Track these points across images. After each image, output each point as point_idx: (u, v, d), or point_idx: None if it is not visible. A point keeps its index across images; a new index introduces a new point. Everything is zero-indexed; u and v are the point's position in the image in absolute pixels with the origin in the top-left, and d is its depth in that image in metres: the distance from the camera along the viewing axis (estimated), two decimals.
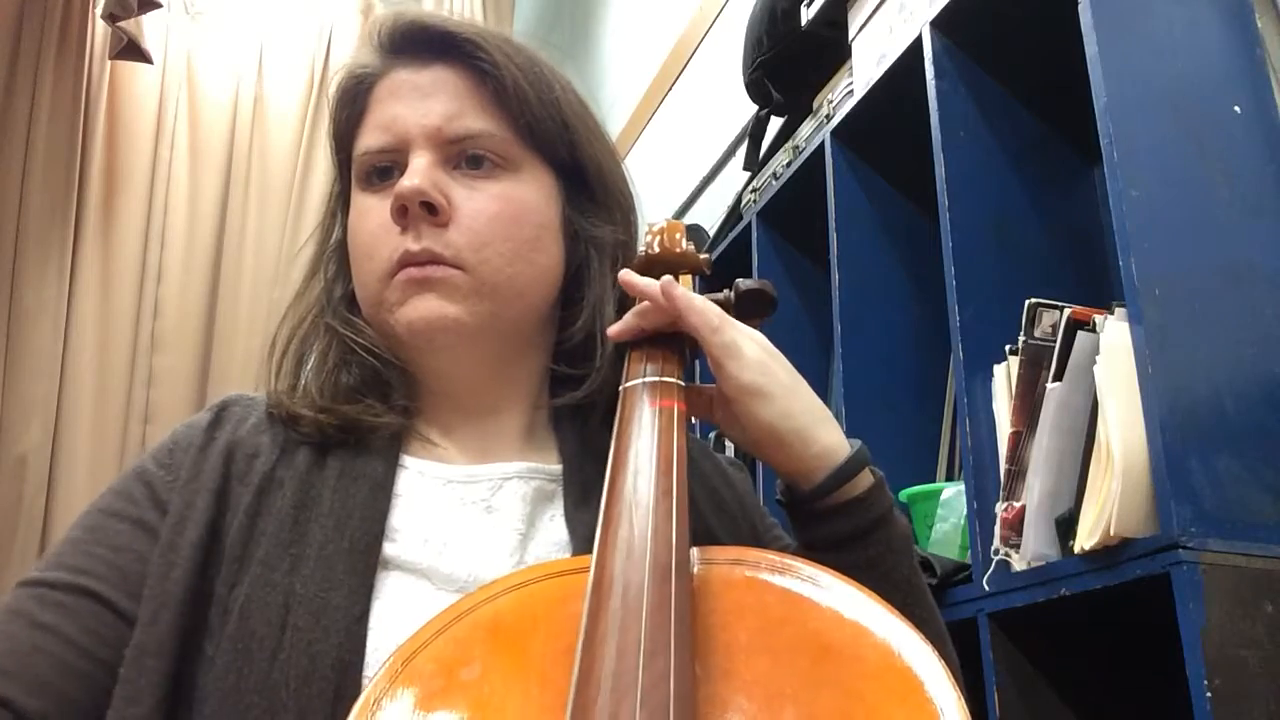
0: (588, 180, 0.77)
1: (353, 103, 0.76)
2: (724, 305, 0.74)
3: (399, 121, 0.72)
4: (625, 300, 0.79)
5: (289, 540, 0.64)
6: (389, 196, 0.70)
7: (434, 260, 0.69)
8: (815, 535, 0.68)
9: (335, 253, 0.79)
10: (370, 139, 0.73)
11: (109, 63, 3.23)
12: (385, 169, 0.73)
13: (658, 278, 0.81)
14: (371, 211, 0.72)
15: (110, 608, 0.63)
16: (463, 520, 0.69)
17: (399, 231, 0.70)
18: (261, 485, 0.67)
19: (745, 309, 0.76)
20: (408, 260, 0.69)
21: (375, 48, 0.76)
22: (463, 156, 0.72)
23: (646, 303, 0.71)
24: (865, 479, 0.69)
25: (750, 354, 0.67)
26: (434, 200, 0.69)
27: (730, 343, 0.67)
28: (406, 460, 0.72)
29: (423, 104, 0.72)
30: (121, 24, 2.90)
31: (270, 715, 0.57)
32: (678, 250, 0.82)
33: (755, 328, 0.73)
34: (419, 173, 0.69)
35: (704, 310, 0.68)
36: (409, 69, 0.74)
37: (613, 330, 0.72)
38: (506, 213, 0.71)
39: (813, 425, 0.68)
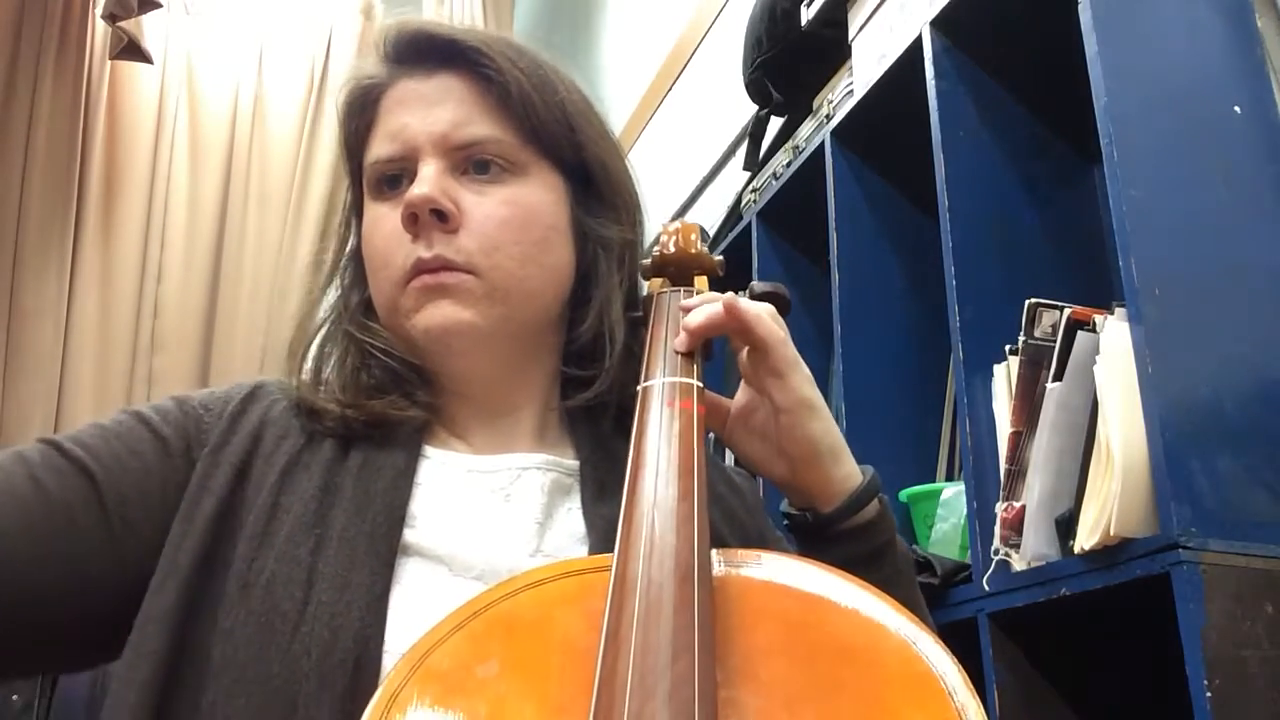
0: (594, 180, 0.77)
1: (361, 113, 0.77)
2: None
3: (407, 130, 0.73)
4: (632, 302, 0.79)
5: (312, 521, 0.65)
6: (399, 204, 0.71)
7: (446, 266, 0.70)
8: (827, 559, 0.68)
9: (351, 261, 0.80)
10: (379, 148, 0.74)
11: (109, 63, 3.23)
12: (395, 177, 0.74)
13: (671, 277, 0.82)
14: (383, 220, 0.73)
15: (98, 499, 0.65)
16: (482, 508, 0.70)
17: (410, 239, 0.71)
18: (287, 466, 0.68)
19: None
20: (421, 267, 0.70)
21: (381, 57, 0.76)
22: (470, 162, 0.73)
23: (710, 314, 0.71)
24: (874, 504, 0.72)
25: (806, 369, 0.70)
26: (443, 207, 0.70)
27: (794, 357, 0.69)
28: (428, 450, 0.72)
29: (430, 112, 0.73)
30: (121, 24, 2.90)
31: (291, 685, 0.57)
32: (692, 251, 0.82)
33: None
34: (428, 180, 0.70)
35: (769, 323, 0.69)
36: (415, 78, 0.75)
37: (678, 343, 0.71)
38: (516, 216, 0.72)
39: (841, 447, 0.71)
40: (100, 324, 3.11)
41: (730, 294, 0.71)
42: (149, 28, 3.16)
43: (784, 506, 0.74)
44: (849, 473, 0.71)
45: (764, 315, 0.69)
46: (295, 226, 3.32)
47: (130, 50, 2.98)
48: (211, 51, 3.45)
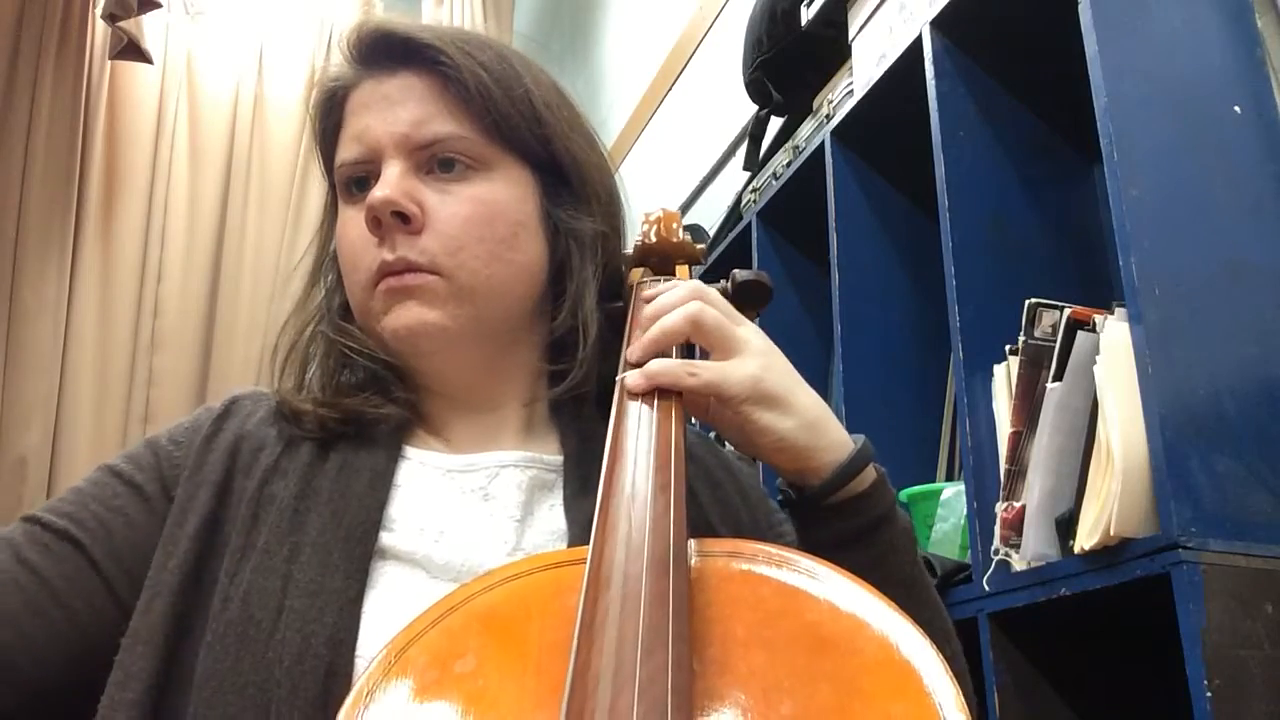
0: (564, 173, 0.76)
1: (328, 115, 0.77)
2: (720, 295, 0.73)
3: (369, 132, 0.72)
4: (607, 290, 0.78)
5: (289, 529, 0.65)
6: (365, 207, 0.71)
7: (410, 268, 0.70)
8: (820, 535, 0.68)
9: (333, 262, 0.80)
10: (345, 151, 0.74)
11: (109, 63, 3.22)
12: (362, 179, 0.74)
13: (653, 267, 0.81)
14: (351, 223, 0.73)
15: (91, 562, 0.65)
16: (460, 508, 0.69)
17: (376, 242, 0.71)
18: (265, 476, 0.68)
19: (741, 300, 0.76)
20: (385, 270, 0.70)
21: (346, 59, 0.76)
22: (434, 161, 0.72)
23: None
24: (868, 475, 0.68)
25: (746, 371, 0.65)
26: (404, 209, 0.69)
27: (716, 380, 0.64)
28: (408, 451, 0.72)
29: (391, 112, 0.72)
30: (121, 24, 2.90)
31: (263, 693, 0.57)
32: (674, 240, 0.82)
33: (752, 318, 0.73)
34: (389, 182, 0.70)
35: (672, 370, 0.64)
36: (377, 78, 0.74)
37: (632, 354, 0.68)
38: (480, 214, 0.71)
39: (818, 423, 0.67)
40: (100, 324, 3.11)
41: (657, 332, 0.67)
42: (149, 28, 3.16)
43: (779, 483, 0.72)
44: (829, 445, 0.66)
45: (685, 377, 0.64)
46: (295, 226, 3.32)
47: (130, 50, 2.98)
48: (211, 51, 3.45)
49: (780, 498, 0.72)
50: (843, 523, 0.67)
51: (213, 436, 0.72)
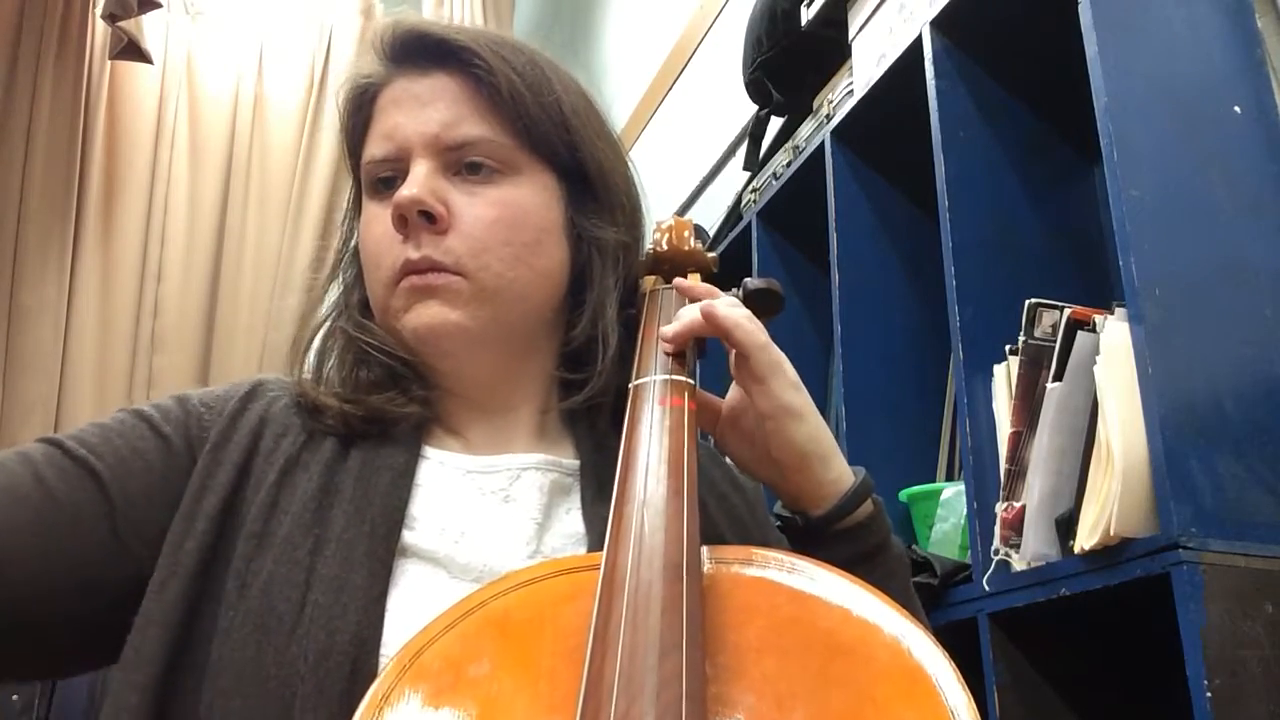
0: (590, 181, 0.77)
1: (358, 112, 0.77)
2: None
3: (399, 130, 0.73)
4: (628, 302, 0.79)
5: (311, 522, 0.65)
6: (392, 204, 0.71)
7: (434, 268, 0.70)
8: (824, 560, 0.69)
9: (354, 258, 0.80)
10: (374, 148, 0.75)
11: (109, 63, 3.23)
12: (389, 178, 0.74)
13: (665, 275, 0.82)
14: (377, 220, 0.74)
15: (104, 495, 0.65)
16: (481, 510, 0.70)
17: (401, 240, 0.71)
18: (286, 465, 0.68)
19: (754, 309, 0.76)
20: (409, 268, 0.71)
21: (378, 56, 0.77)
22: (462, 163, 0.73)
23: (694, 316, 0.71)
24: (868, 506, 0.72)
25: (791, 374, 0.70)
26: (432, 208, 0.70)
27: (775, 361, 0.69)
28: (428, 451, 0.73)
29: (422, 112, 0.73)
30: (121, 24, 2.90)
31: (287, 688, 0.57)
32: (685, 248, 0.82)
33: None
34: (417, 182, 0.70)
35: (750, 328, 0.69)
36: (409, 77, 0.75)
37: (665, 344, 0.72)
38: (505, 218, 0.72)
39: (831, 450, 0.71)
40: (100, 324, 3.11)
41: (708, 302, 0.71)
42: (149, 28, 3.16)
43: (776, 508, 0.74)
44: (839, 475, 0.71)
45: (742, 321, 0.69)
46: (295, 226, 3.32)
47: (130, 50, 2.97)
48: (211, 51, 3.45)
49: (778, 524, 0.73)
50: (845, 548, 0.70)
51: (239, 414, 0.72)
